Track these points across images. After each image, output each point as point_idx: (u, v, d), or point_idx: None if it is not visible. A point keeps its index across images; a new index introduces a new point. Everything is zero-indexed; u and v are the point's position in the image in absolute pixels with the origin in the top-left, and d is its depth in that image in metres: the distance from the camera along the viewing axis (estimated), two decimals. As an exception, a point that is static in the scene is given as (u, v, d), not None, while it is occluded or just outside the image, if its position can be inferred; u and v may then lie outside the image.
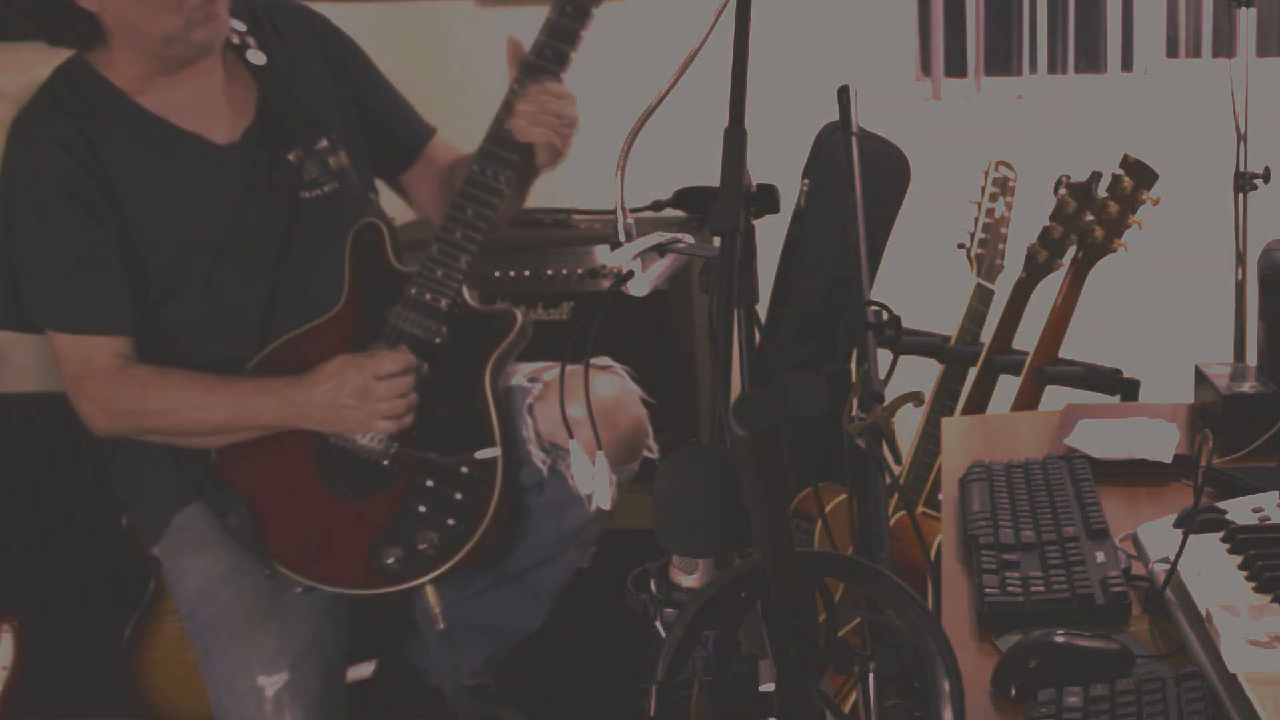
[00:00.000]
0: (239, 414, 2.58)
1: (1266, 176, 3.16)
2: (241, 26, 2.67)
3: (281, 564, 2.57)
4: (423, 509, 2.57)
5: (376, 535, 2.57)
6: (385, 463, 2.59)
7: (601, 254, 3.32)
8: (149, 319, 2.63)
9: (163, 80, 2.60)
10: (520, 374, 2.72)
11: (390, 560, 2.55)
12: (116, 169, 2.57)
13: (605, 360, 2.69)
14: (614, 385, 2.67)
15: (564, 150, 2.63)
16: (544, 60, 2.58)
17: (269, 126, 2.66)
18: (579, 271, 3.30)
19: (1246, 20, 3.18)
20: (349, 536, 2.58)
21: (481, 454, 2.57)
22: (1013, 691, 1.49)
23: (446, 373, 2.60)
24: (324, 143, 2.68)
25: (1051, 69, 3.89)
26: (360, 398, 2.54)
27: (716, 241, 1.55)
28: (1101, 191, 2.64)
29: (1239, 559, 1.60)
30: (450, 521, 2.56)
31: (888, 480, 1.44)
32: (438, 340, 2.59)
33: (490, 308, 2.63)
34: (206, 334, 2.66)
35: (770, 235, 2.92)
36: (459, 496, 2.56)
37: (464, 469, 2.57)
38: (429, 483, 2.57)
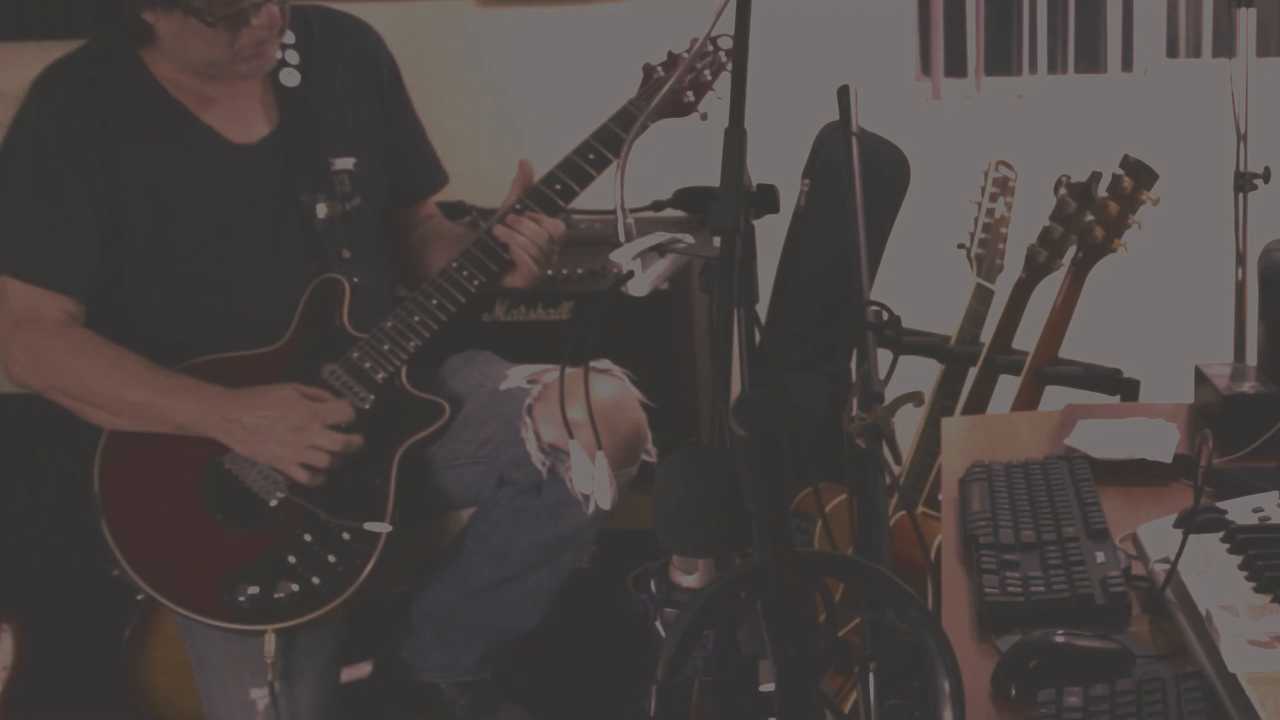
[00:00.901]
0: (159, 403, 2.57)
1: (1266, 176, 3.16)
2: (291, 38, 2.71)
3: (132, 567, 2.56)
4: (292, 559, 2.56)
5: (237, 569, 2.55)
6: (272, 504, 2.58)
7: (601, 254, 3.32)
8: (122, 294, 2.66)
9: (199, 80, 2.65)
10: (519, 376, 2.72)
11: (242, 597, 2.54)
12: (125, 143, 2.61)
13: (605, 363, 2.70)
14: (613, 388, 2.67)
15: (539, 277, 2.71)
16: (553, 192, 2.68)
17: (287, 139, 2.68)
18: (579, 271, 3.29)
19: (1246, 20, 3.18)
20: (209, 562, 2.57)
21: (371, 526, 2.56)
22: (1013, 691, 1.49)
23: (361, 441, 2.61)
24: (342, 164, 2.71)
25: (1051, 69, 3.89)
26: (295, 433, 2.53)
27: (716, 241, 1.55)
28: (1101, 191, 2.64)
29: (1239, 559, 1.60)
30: (315, 580, 2.55)
31: (888, 480, 1.44)
32: (365, 407, 2.61)
33: (422, 395, 2.66)
34: (179, 320, 2.67)
35: (770, 235, 2.93)
36: (332, 559, 2.56)
37: (346, 535, 2.57)
38: (307, 536, 2.57)
